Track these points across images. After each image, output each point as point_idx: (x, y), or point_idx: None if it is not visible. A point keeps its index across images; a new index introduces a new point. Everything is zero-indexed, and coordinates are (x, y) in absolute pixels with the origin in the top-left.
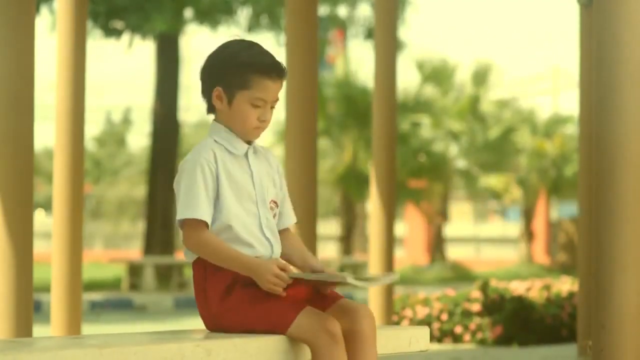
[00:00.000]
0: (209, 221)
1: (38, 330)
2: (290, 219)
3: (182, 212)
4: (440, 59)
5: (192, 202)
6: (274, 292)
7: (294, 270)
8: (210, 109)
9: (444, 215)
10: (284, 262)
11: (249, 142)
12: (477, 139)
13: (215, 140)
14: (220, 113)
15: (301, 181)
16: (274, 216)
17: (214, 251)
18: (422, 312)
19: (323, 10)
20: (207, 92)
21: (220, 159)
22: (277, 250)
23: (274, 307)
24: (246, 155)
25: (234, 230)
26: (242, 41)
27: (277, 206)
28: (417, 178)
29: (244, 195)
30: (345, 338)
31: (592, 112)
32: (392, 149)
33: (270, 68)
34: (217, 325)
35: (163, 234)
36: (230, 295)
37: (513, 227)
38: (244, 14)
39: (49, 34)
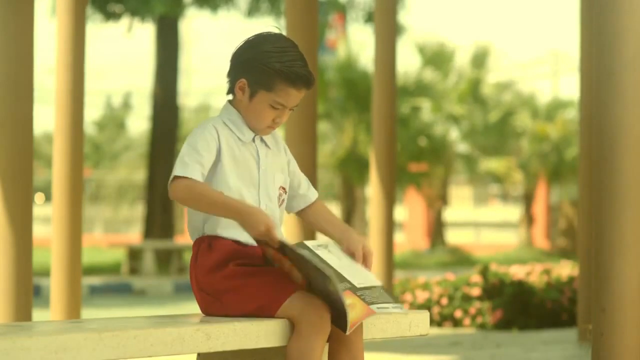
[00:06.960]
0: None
1: (38, 315)
2: (312, 195)
3: (176, 170)
4: (440, 42)
5: (190, 163)
6: (260, 243)
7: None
8: (231, 91)
9: (444, 199)
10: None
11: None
12: (478, 122)
13: (224, 122)
14: (238, 101)
15: (301, 165)
16: (282, 202)
17: (201, 193)
18: (422, 296)
19: None
20: (232, 77)
21: (225, 138)
22: None
23: (268, 283)
24: (253, 141)
25: None
26: (278, 39)
27: (285, 192)
28: (417, 162)
29: (245, 177)
30: (334, 342)
31: (592, 96)
32: (392, 133)
33: (298, 79)
34: (207, 304)
35: (163, 218)
36: (221, 271)
37: (513, 211)
38: None
39: (49, 18)
